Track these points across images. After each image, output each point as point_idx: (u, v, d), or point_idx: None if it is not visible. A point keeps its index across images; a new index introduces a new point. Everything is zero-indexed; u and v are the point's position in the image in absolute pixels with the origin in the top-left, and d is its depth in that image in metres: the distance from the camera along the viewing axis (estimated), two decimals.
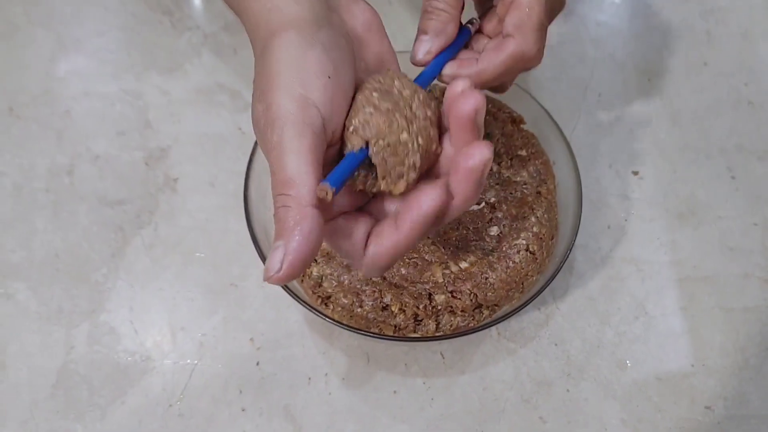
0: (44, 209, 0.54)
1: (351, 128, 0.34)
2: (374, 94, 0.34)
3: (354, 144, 0.34)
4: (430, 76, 0.41)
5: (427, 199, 0.30)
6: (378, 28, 0.38)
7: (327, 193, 0.31)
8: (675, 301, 0.51)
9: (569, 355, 0.49)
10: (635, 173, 0.57)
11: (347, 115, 0.35)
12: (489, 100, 0.54)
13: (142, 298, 0.51)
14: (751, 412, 0.47)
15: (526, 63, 0.41)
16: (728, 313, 0.51)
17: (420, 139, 0.34)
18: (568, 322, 0.50)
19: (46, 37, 0.64)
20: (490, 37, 0.43)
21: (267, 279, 0.30)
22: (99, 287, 0.51)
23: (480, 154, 0.31)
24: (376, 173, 0.33)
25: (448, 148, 0.35)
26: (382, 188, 0.34)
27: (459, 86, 0.33)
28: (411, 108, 0.34)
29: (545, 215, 0.48)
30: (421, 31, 0.42)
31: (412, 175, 0.34)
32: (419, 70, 0.41)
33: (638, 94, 0.62)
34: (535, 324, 0.50)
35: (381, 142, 0.33)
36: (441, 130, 0.36)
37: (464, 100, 0.32)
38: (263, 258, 0.45)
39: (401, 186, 0.34)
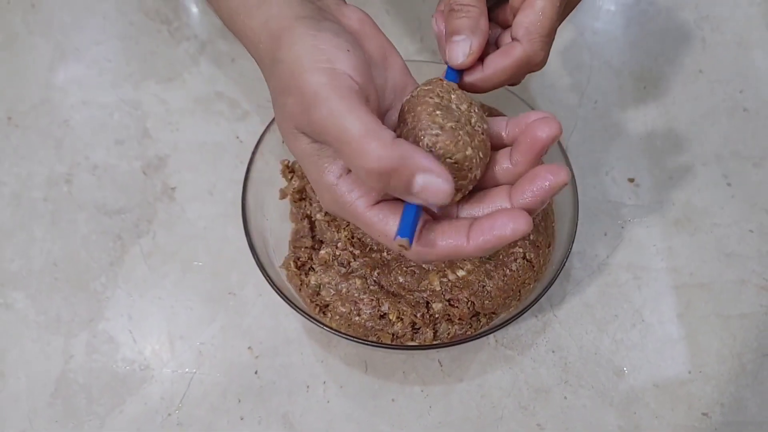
0: (43, 218, 0.54)
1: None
2: (437, 112, 0.35)
3: None
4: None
5: (511, 226, 0.32)
6: (372, 24, 0.39)
7: (405, 248, 0.32)
8: (672, 307, 0.51)
9: (567, 363, 0.49)
10: (631, 180, 0.57)
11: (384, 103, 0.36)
12: (487, 109, 0.54)
13: (141, 307, 0.51)
14: (748, 419, 0.47)
15: (531, 68, 0.41)
16: (725, 319, 0.51)
17: (481, 153, 0.35)
18: (565, 329, 0.50)
19: (44, 45, 0.64)
20: (501, 27, 0.43)
21: (441, 200, 0.31)
22: (97, 296, 0.51)
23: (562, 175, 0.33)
24: None
25: (504, 161, 0.37)
26: None
27: (540, 113, 0.35)
28: (471, 123, 0.35)
29: (542, 223, 0.48)
30: (452, 32, 0.40)
31: (470, 188, 0.35)
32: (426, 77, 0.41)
33: (634, 102, 0.62)
34: (533, 331, 0.50)
35: (448, 160, 0.34)
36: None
37: (546, 127, 0.34)
38: (261, 267, 0.45)
39: (458, 197, 0.35)
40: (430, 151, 0.34)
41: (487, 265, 0.46)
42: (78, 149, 0.58)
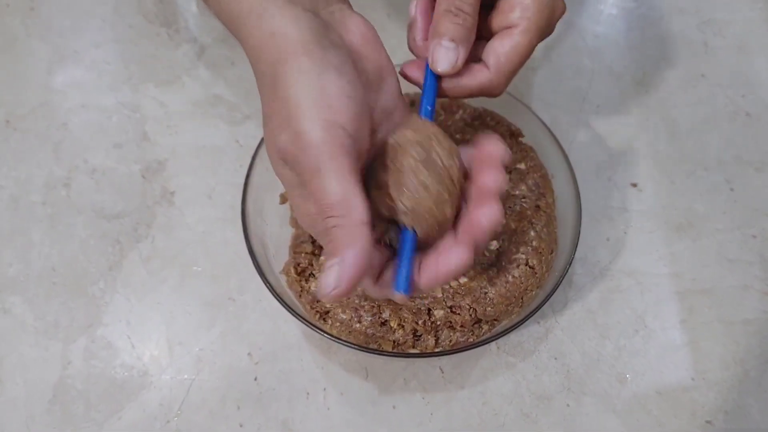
0: (41, 222, 0.54)
1: (401, 206, 0.35)
2: (420, 167, 0.35)
3: (404, 223, 0.35)
4: (434, 95, 0.40)
5: (453, 260, 0.34)
6: (374, 40, 0.38)
7: (403, 300, 0.34)
8: (674, 313, 0.51)
9: (569, 369, 0.49)
10: (634, 185, 0.57)
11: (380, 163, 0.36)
12: (488, 113, 0.54)
13: (140, 312, 0.50)
14: (751, 426, 0.47)
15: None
16: (728, 325, 0.51)
17: (456, 204, 0.36)
18: (567, 335, 0.50)
19: (43, 49, 0.63)
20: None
21: (325, 296, 0.31)
22: (96, 301, 0.51)
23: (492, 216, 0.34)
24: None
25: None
26: None
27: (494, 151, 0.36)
28: (452, 178, 0.35)
29: (544, 229, 0.48)
30: (443, 35, 0.39)
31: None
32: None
33: (636, 106, 0.62)
34: (535, 338, 0.50)
35: (430, 220, 0.35)
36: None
37: (487, 212, 0.35)
38: (261, 272, 0.45)
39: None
40: (413, 210, 0.34)
41: (489, 272, 0.45)
42: (76, 153, 0.58)
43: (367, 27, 0.38)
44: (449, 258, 0.34)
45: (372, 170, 0.36)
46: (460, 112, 0.54)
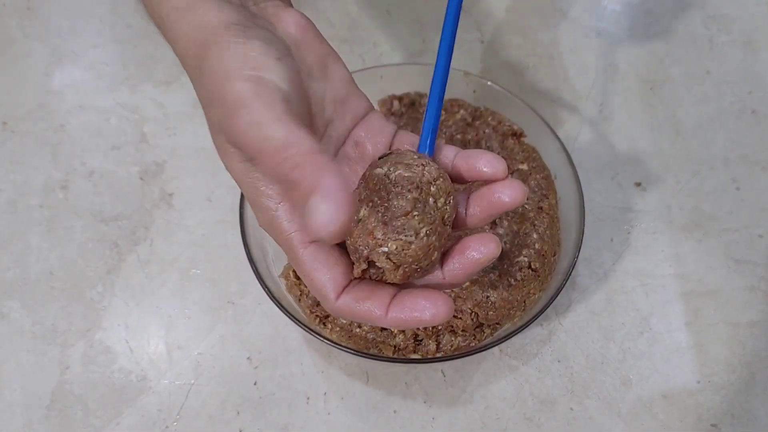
0: (39, 225, 0.53)
1: (383, 250, 0.31)
2: (415, 213, 0.31)
3: (382, 265, 0.31)
4: (436, 124, 0.37)
5: (430, 313, 0.31)
6: (313, 30, 0.36)
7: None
8: (680, 315, 0.50)
9: (572, 372, 0.48)
10: (638, 184, 0.56)
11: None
12: (489, 112, 0.53)
13: (138, 316, 0.50)
14: (758, 430, 0.46)
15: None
16: (734, 327, 0.50)
17: (443, 246, 0.33)
18: (571, 338, 0.49)
19: (41, 50, 0.63)
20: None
21: (327, 234, 0.27)
22: (94, 305, 0.50)
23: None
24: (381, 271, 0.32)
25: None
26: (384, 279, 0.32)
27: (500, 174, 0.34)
28: (444, 220, 0.32)
29: (547, 231, 0.47)
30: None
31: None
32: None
33: (640, 104, 0.61)
34: (538, 340, 0.49)
35: (414, 266, 0.31)
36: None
37: (482, 247, 0.32)
38: (259, 277, 0.44)
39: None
40: (397, 255, 0.31)
41: (491, 275, 0.45)
42: (74, 155, 0.57)
43: (303, 18, 0.36)
44: (423, 304, 0.31)
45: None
46: (461, 111, 0.53)
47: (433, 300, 0.31)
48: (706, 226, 0.54)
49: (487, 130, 0.52)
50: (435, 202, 0.32)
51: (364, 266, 0.31)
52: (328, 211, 0.26)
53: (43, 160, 0.57)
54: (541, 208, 0.48)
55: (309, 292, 0.45)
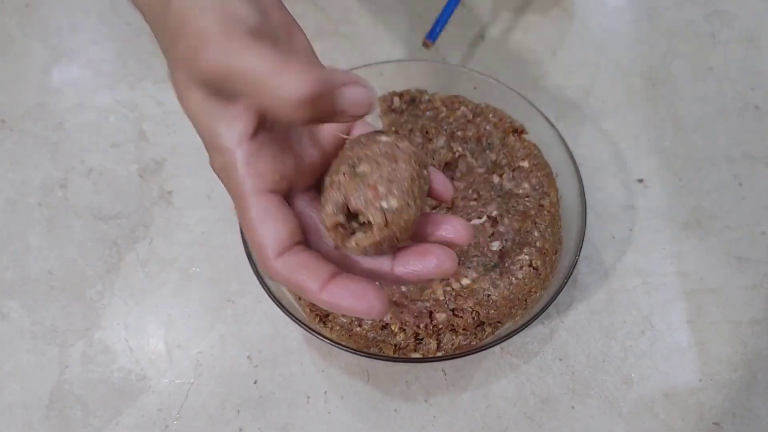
0: (38, 225, 0.53)
1: (383, 204, 0.30)
2: (416, 184, 0.31)
3: (374, 219, 0.30)
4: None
5: (365, 305, 0.29)
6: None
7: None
8: (681, 314, 0.50)
9: (574, 371, 0.48)
10: (640, 181, 0.56)
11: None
12: (489, 109, 0.53)
13: (138, 315, 0.50)
14: (760, 429, 0.46)
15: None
16: (736, 326, 0.50)
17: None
18: (572, 336, 0.49)
19: (39, 47, 0.63)
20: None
21: (369, 106, 0.28)
22: (94, 304, 0.50)
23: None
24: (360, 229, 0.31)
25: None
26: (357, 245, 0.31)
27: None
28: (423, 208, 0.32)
29: (548, 229, 0.47)
30: None
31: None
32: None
33: (642, 100, 0.61)
34: (539, 339, 0.49)
35: (398, 234, 0.30)
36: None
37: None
38: (259, 276, 0.44)
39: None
40: (398, 212, 0.30)
41: (492, 274, 0.44)
42: (73, 153, 0.57)
43: None
44: (361, 295, 0.29)
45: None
46: (462, 108, 0.53)
47: (375, 293, 0.29)
48: (708, 223, 0.54)
49: (488, 127, 0.52)
50: (425, 184, 0.32)
51: (341, 219, 0.30)
52: (363, 94, 0.27)
53: (42, 158, 0.56)
54: (542, 205, 0.48)
55: None
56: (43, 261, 0.52)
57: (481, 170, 0.50)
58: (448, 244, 0.32)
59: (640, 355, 0.48)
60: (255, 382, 0.47)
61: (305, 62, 0.27)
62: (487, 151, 0.51)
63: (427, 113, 0.53)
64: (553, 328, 0.49)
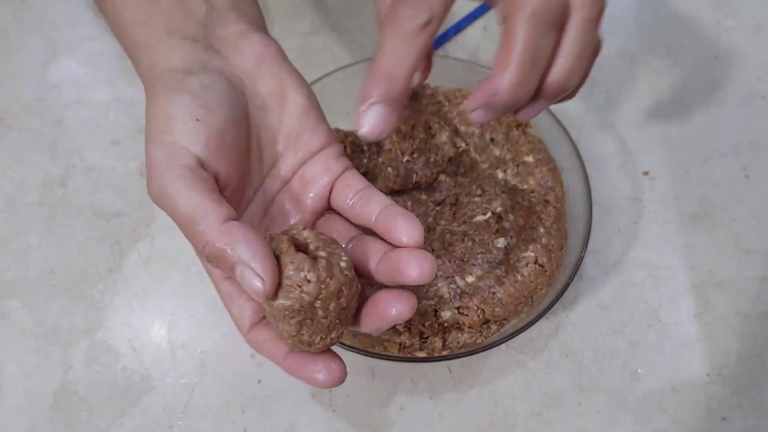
0: (38, 224, 0.53)
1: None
2: (303, 329, 0.32)
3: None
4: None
5: (323, 374, 0.34)
6: (273, 58, 0.36)
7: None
8: (689, 307, 0.50)
9: (581, 367, 0.47)
10: (646, 173, 0.55)
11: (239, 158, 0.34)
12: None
13: (141, 315, 0.49)
14: None
15: (509, 98, 0.33)
16: (744, 318, 0.49)
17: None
18: (579, 331, 0.49)
19: (37, 43, 0.62)
20: None
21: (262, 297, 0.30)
22: (96, 304, 0.50)
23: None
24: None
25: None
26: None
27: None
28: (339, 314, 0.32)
29: (554, 225, 0.46)
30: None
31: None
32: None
33: (647, 91, 0.60)
34: (545, 334, 0.49)
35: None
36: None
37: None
38: None
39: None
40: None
41: (498, 271, 0.44)
42: (73, 150, 0.56)
43: (264, 46, 0.36)
44: (319, 367, 0.34)
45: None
46: (465, 102, 0.52)
47: (326, 365, 0.33)
48: (716, 215, 0.53)
49: (491, 121, 0.51)
50: (326, 310, 0.31)
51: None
52: (252, 282, 0.29)
53: (42, 156, 0.56)
54: (547, 200, 0.48)
55: None
56: (44, 260, 0.51)
57: (485, 165, 0.50)
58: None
59: (647, 349, 0.48)
60: (259, 381, 0.47)
61: (219, 224, 0.30)
62: (491, 146, 0.51)
63: (430, 108, 0.52)
64: (559, 323, 0.49)
